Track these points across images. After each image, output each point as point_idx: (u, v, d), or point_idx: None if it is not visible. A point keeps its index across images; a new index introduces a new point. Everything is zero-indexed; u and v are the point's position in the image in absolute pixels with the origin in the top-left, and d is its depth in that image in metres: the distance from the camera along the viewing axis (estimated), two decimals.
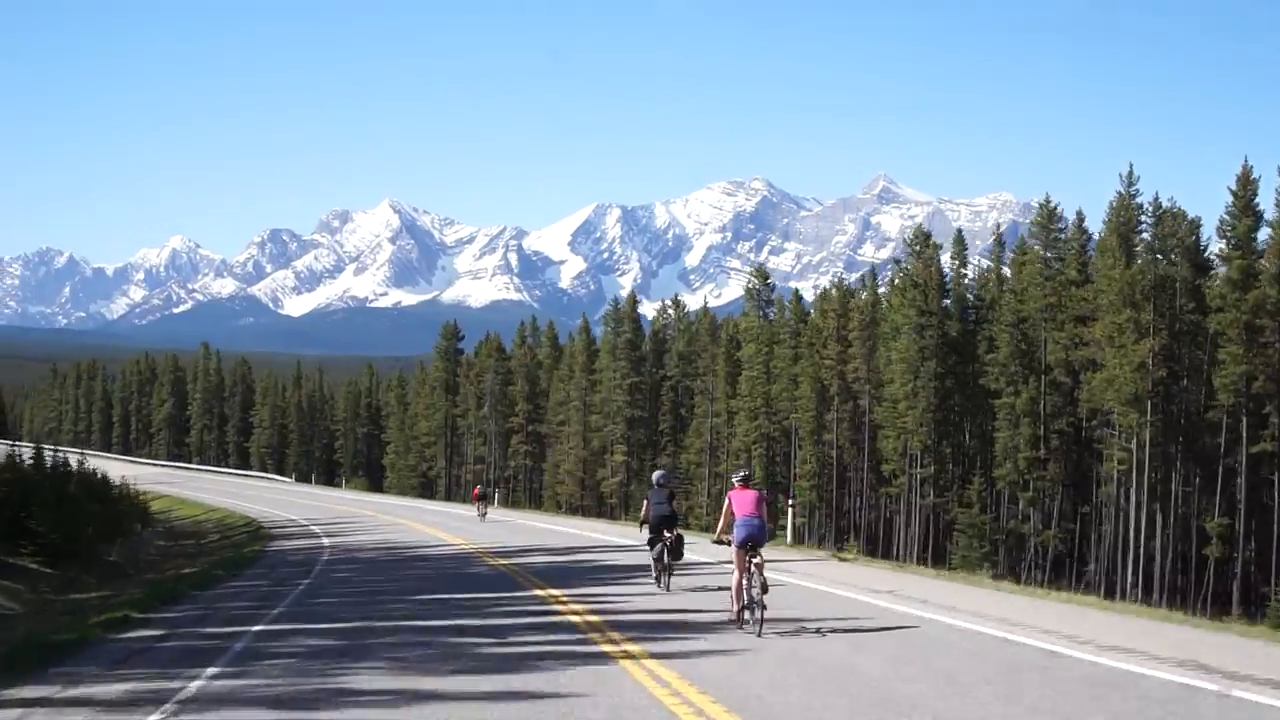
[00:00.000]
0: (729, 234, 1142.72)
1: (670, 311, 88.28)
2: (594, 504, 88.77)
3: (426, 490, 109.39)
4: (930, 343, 58.23)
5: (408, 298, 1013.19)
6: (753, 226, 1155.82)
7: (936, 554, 57.81)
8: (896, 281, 64.09)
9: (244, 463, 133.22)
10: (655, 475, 18.01)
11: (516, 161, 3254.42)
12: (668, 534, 16.72)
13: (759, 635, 12.08)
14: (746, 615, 12.49)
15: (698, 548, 24.60)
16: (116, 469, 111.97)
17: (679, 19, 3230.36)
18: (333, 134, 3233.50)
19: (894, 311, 61.70)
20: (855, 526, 67.45)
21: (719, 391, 77.08)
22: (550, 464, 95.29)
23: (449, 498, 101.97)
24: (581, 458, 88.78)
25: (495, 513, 52.09)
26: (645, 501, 17.43)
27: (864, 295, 69.06)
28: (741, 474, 13.33)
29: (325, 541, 34.70)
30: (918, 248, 60.87)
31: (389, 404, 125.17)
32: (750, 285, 73.67)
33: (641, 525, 17.71)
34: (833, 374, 65.32)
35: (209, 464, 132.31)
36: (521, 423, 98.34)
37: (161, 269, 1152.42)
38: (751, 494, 12.84)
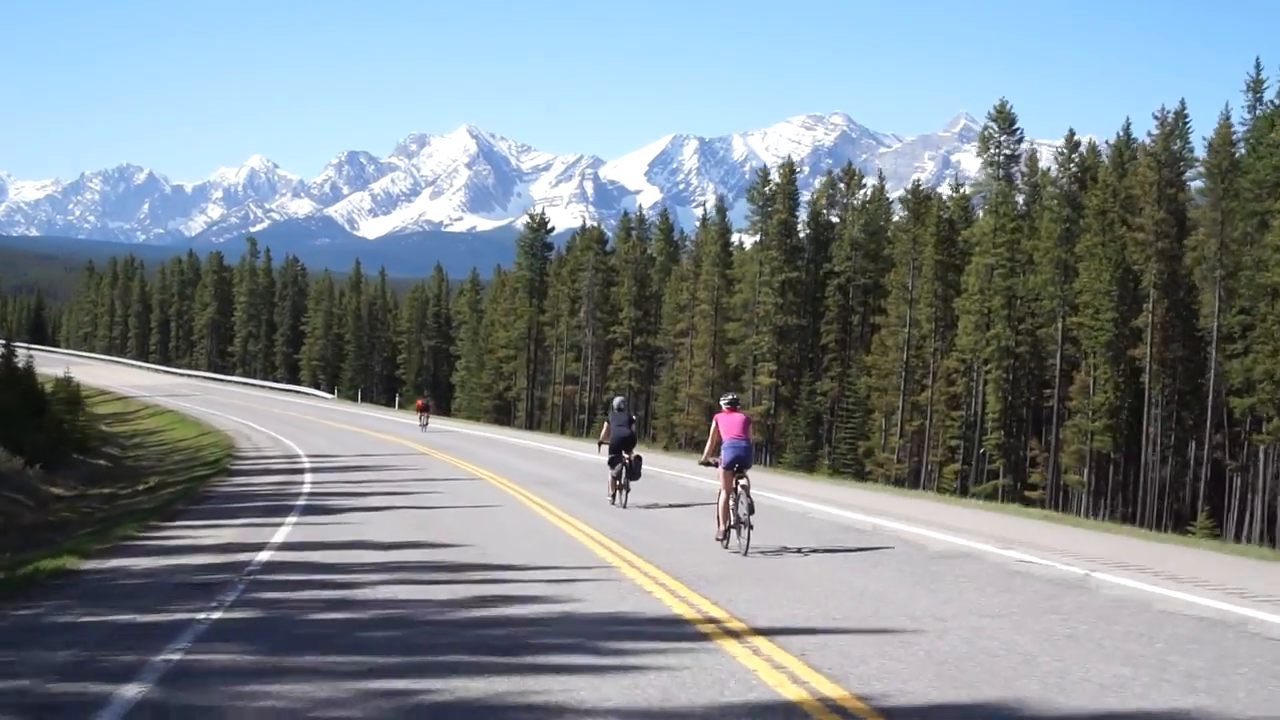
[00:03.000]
0: (807, 168, 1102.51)
1: (840, 185, 65.03)
2: None
3: (503, 415, 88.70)
4: None
5: (483, 223, 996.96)
6: (831, 161, 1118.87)
7: None
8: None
9: (293, 376, 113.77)
10: (615, 401, 18.34)
11: (595, 90, 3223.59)
12: (627, 455, 17.09)
13: (745, 554, 11.58)
14: (733, 534, 12.21)
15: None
16: (135, 378, 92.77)
17: None
18: (411, 58, 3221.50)
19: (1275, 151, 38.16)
20: (1160, 492, 44.44)
21: (920, 292, 54.51)
22: (665, 387, 73.45)
23: (531, 425, 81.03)
24: (710, 379, 66.72)
25: (437, 422, 51.84)
26: (606, 424, 17.88)
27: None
28: (730, 397, 13.05)
29: (279, 536, 13.16)
30: None
31: (460, 312, 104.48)
32: (987, 131, 50.29)
33: (600, 445, 18.16)
34: (1146, 256, 42.21)
35: (254, 377, 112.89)
36: (627, 334, 76.57)
37: (240, 188, 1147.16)
38: (739, 417, 12.59)
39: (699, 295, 67.76)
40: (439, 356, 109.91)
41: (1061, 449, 46.73)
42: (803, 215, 67.74)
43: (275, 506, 17.03)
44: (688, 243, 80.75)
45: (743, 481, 12.04)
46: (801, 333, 64.39)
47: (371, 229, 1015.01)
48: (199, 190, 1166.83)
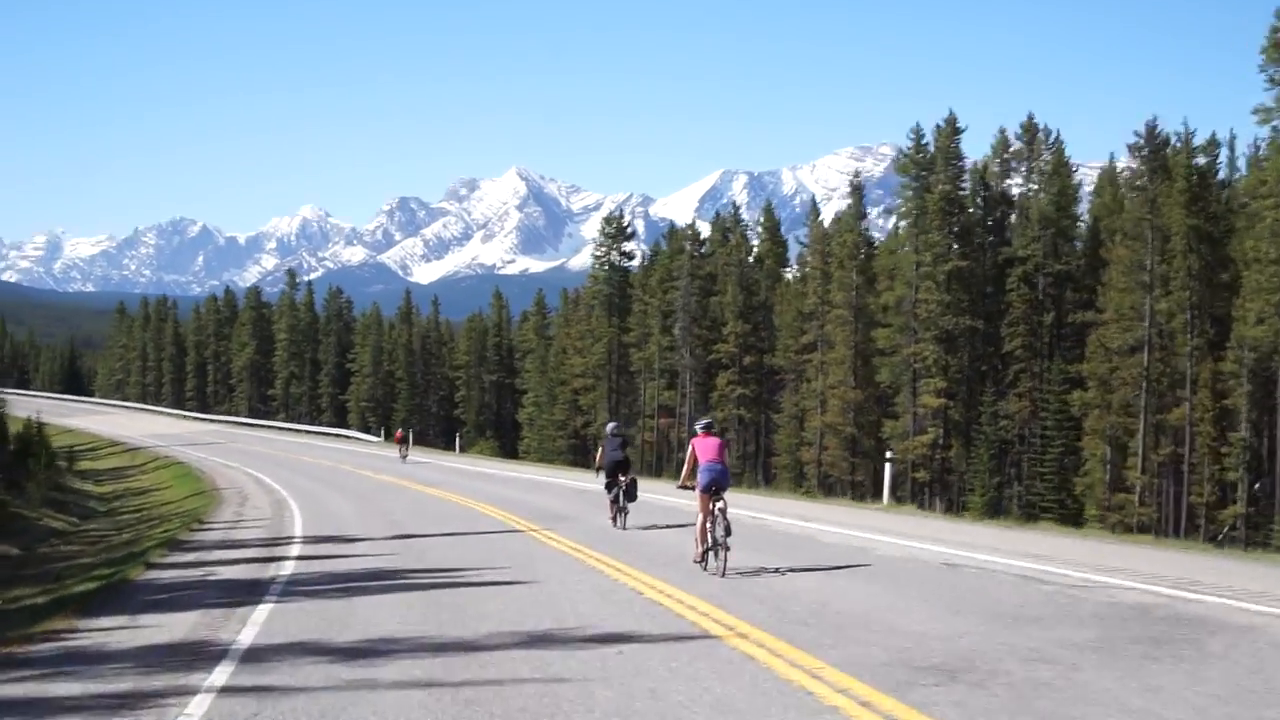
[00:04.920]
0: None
1: (1020, 144, 50.57)
2: (868, 478, 52.62)
3: (580, 456, 74.94)
4: None
5: (535, 264, 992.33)
6: (880, 192, 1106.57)
7: None
8: None
9: (340, 419, 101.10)
10: (608, 426, 18.86)
11: (643, 128, 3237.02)
12: (623, 478, 17.59)
13: (723, 575, 11.81)
14: (710, 557, 12.36)
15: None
16: (160, 426, 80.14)
17: None
18: (461, 102, 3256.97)
19: None
20: None
21: (1168, 271, 40.00)
22: (787, 416, 59.17)
23: None
24: (853, 402, 52.45)
25: (415, 454, 50.11)
26: (600, 448, 18.43)
27: None
28: (704, 422, 13.17)
29: None
30: None
31: (526, 339, 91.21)
32: (1275, 39, 35.77)
33: (597, 471, 18.62)
34: None
35: (299, 421, 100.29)
36: (734, 352, 62.48)
37: (293, 238, 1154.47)
38: (715, 440, 12.71)
39: (832, 298, 53.60)
40: (502, 392, 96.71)
41: None
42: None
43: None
44: (800, 239, 66.70)
45: (719, 504, 12.14)
46: (973, 338, 49.95)
47: (425, 274, 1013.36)
48: (252, 241, 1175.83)
